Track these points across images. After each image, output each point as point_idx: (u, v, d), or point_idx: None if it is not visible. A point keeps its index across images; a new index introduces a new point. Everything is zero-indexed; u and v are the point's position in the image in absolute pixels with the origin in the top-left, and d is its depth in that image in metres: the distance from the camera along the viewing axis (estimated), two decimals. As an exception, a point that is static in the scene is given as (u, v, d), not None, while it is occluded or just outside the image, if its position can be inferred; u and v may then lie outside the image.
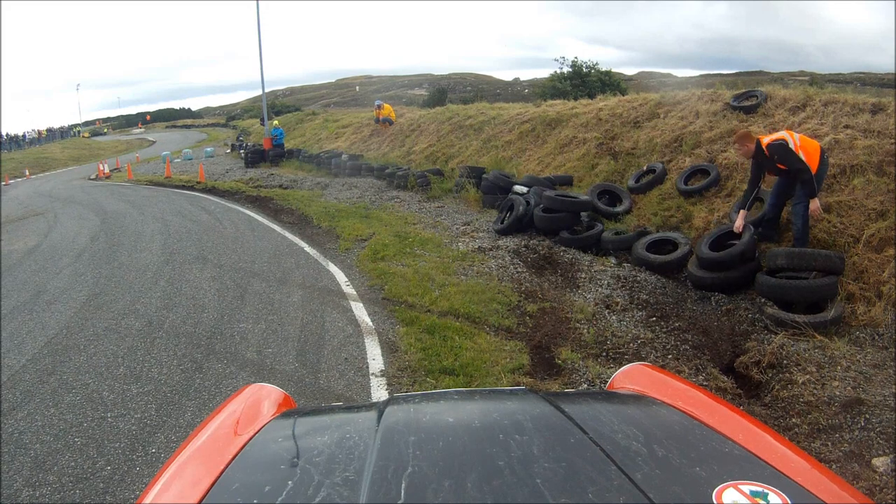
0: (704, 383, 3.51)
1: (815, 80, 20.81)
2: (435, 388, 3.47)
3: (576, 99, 11.96)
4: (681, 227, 6.32)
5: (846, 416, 3.04)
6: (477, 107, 13.62)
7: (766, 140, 5.00)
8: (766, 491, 0.77)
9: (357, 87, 55.06)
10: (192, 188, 13.87)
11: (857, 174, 5.36)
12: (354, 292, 5.45)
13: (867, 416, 3.02)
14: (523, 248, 6.29)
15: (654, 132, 8.22)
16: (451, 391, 1.25)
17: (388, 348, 4.14)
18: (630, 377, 1.33)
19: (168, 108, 72.92)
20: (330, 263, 6.54)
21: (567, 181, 8.46)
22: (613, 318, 4.58)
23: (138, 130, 54.31)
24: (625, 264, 5.84)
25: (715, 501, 0.74)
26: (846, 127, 6.02)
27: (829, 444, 2.89)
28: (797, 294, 4.43)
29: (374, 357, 4.00)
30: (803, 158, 4.78)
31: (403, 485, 0.76)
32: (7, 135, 36.98)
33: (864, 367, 3.52)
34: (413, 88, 49.92)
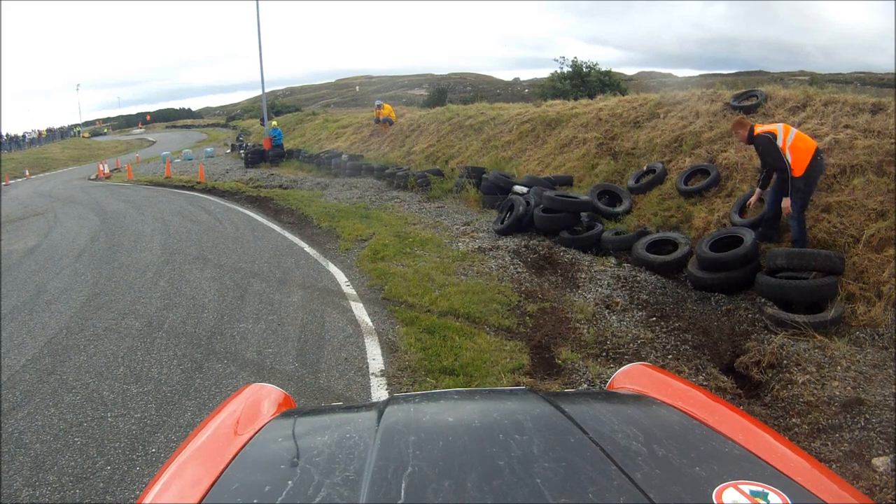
0: (704, 383, 3.52)
1: (815, 80, 20.76)
2: (435, 387, 3.47)
3: (576, 99, 11.94)
4: (681, 227, 6.32)
5: (846, 416, 3.05)
6: (477, 107, 13.60)
7: (757, 129, 5.09)
8: (766, 491, 0.77)
9: (357, 88, 55.12)
10: (192, 188, 13.85)
11: (857, 174, 5.36)
12: (354, 292, 5.45)
13: (867, 416, 3.02)
14: (523, 249, 6.29)
15: (654, 132, 8.22)
16: (451, 391, 1.25)
17: (388, 348, 4.14)
18: (630, 377, 1.33)
19: (168, 109, 72.95)
20: (330, 263, 6.54)
21: (567, 181, 8.46)
22: (613, 318, 4.58)
23: (138, 130, 54.29)
24: (625, 264, 5.84)
25: (715, 501, 0.74)
26: (846, 127, 6.02)
27: (829, 443, 2.89)
28: (797, 294, 4.44)
29: (374, 357, 4.01)
30: (789, 159, 4.78)
31: (403, 485, 0.76)
32: (7, 135, 36.97)
33: (864, 367, 3.53)
34: (413, 88, 49.94)
